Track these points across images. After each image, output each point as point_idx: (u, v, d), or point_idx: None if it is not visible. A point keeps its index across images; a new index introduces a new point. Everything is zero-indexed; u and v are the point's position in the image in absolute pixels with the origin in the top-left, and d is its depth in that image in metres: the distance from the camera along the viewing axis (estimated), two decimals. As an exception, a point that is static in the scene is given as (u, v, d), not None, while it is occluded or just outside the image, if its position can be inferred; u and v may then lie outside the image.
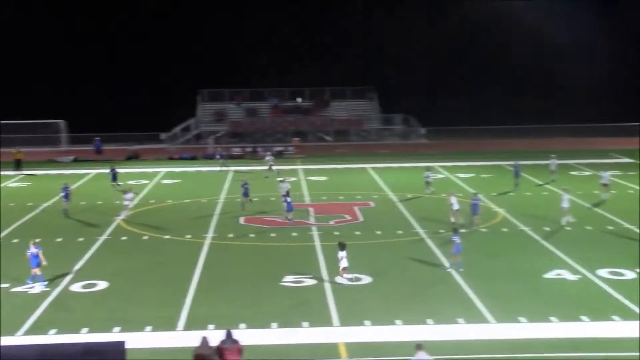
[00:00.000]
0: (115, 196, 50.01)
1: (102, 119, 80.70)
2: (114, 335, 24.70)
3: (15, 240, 38.52)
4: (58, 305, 28.44)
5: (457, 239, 32.09)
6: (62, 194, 45.70)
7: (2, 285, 30.69)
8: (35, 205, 47.74)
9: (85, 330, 25.60)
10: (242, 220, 42.87)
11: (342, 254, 30.71)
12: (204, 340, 20.51)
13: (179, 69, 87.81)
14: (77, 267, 33.47)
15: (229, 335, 20.86)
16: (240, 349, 20.68)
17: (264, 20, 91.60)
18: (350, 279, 30.74)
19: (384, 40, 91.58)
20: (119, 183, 52.83)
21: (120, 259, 35.03)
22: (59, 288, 30.41)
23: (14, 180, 58.29)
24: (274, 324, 26.06)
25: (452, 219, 40.19)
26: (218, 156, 64.78)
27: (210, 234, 39.56)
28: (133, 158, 70.79)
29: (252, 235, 39.29)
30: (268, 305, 28.22)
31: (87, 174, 61.61)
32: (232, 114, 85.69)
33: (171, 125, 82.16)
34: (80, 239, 38.54)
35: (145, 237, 39.01)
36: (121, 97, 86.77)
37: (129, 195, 44.32)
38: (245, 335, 24.47)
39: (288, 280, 31.22)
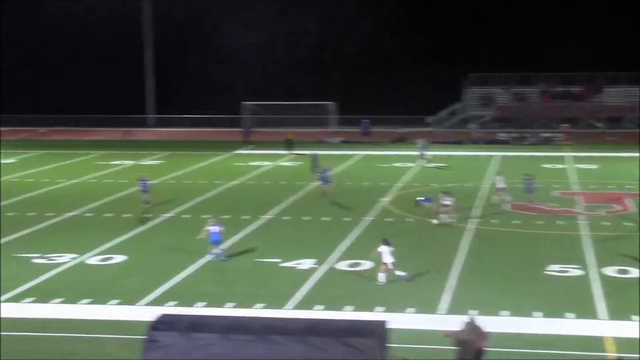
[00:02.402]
0: (381, 177, 50.87)
1: (370, 101, 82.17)
2: (376, 315, 25.10)
3: (285, 218, 40.10)
4: (324, 283, 29.30)
5: None
6: (319, 178, 46.72)
7: (273, 260, 31.98)
8: (305, 184, 49.44)
9: (349, 308, 26.20)
10: (507, 206, 42.26)
11: (385, 248, 29.14)
12: (468, 325, 20.15)
13: (448, 52, 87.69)
14: (342, 246, 34.30)
15: (472, 321, 20.45)
16: (485, 336, 20.17)
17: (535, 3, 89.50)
18: (400, 276, 29.21)
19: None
20: (318, 172, 52.85)
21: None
22: (325, 266, 31.28)
23: (286, 160, 60.61)
24: (538, 314, 25.50)
25: None
26: (418, 145, 59.70)
27: (474, 219, 39.30)
28: (399, 141, 71.54)
29: (517, 222, 38.65)
30: (531, 293, 27.65)
31: (354, 155, 62.96)
32: (499, 98, 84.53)
33: (438, 108, 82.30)
34: (347, 219, 39.47)
35: (409, 220, 39.35)
36: (389, 80, 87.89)
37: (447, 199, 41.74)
38: (508, 323, 24.21)
39: (553, 269, 30.45)
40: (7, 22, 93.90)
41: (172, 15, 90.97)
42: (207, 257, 31.84)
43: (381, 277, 28.85)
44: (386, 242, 29.22)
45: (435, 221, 37.69)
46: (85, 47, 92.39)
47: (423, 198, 39.98)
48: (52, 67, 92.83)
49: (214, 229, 31.72)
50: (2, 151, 66.45)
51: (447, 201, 38.06)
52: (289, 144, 65.06)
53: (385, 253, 28.88)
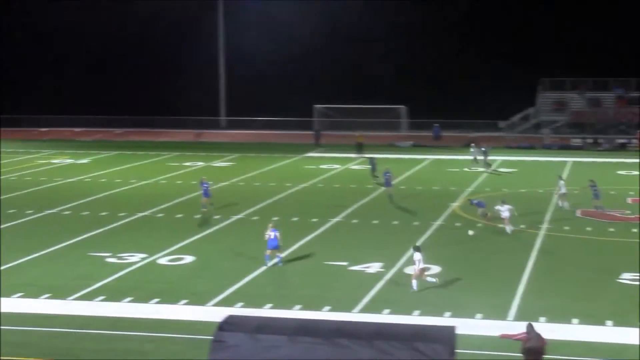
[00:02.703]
0: (451, 182, 50.56)
1: (441, 105, 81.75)
2: (444, 320, 24.91)
3: (354, 221, 40.07)
4: (392, 286, 29.16)
5: None
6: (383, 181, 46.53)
7: (341, 263, 31.95)
8: (374, 187, 49.32)
9: (416, 312, 26.04)
10: (579, 212, 41.63)
11: (418, 255, 28.63)
12: (535, 333, 19.94)
13: (522, 56, 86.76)
14: (411, 250, 34.03)
15: (531, 328, 20.17)
16: (545, 342, 19.90)
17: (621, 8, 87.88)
18: (431, 281, 28.81)
19: None
20: (376, 175, 52.51)
21: (453, 244, 35.26)
22: (394, 269, 31.16)
23: (355, 163, 60.53)
24: (609, 322, 25.04)
25: None
26: (472, 149, 59.48)
27: (545, 225, 38.79)
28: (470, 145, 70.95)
29: (589, 229, 38.03)
30: (603, 301, 27.17)
31: (425, 159, 62.68)
32: (573, 103, 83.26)
33: (510, 113, 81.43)
34: (416, 223, 39.28)
35: (479, 225, 38.97)
36: (460, 84, 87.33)
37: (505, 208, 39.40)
38: (577, 331, 23.85)
39: (626, 277, 29.88)
40: (90, 27, 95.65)
41: (243, 19, 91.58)
42: (267, 263, 31.54)
43: (414, 284, 28.47)
44: (417, 249, 29.01)
45: (471, 232, 36.49)
46: (161, 50, 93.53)
47: (477, 201, 39.59)
48: (129, 70, 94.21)
49: (273, 234, 31.40)
50: (76, 152, 67.73)
51: (505, 212, 36.98)
52: (359, 147, 65.01)
53: (418, 260, 28.58)
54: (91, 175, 55.36)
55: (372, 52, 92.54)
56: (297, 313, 25.59)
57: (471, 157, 58.14)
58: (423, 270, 28.73)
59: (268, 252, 31.51)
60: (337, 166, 59.16)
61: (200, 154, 66.78)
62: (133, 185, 51.17)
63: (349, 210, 42.51)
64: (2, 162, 61.26)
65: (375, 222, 39.74)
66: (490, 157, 57.91)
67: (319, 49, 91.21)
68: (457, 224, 39.24)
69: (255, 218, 40.88)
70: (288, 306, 26.59)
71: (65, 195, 47.54)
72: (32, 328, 24.75)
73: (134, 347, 23.23)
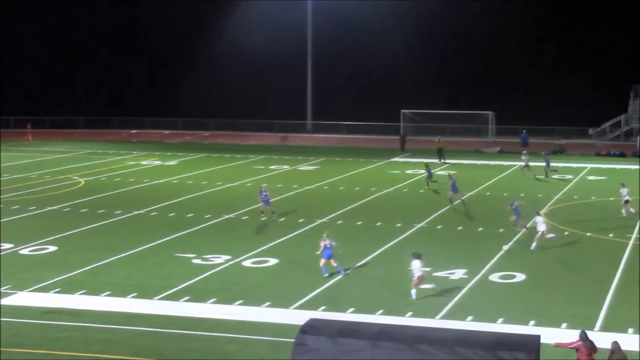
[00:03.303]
0: (538, 189, 49.85)
1: (529, 111, 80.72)
2: (528, 329, 24.53)
3: (439, 227, 39.81)
4: (476, 293, 28.86)
5: None
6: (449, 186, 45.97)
7: (424, 269, 31.70)
8: (460, 194, 48.86)
9: (500, 320, 25.71)
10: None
11: (416, 263, 28.04)
12: (617, 346, 19.53)
13: (613, 63, 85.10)
14: (496, 257, 33.73)
15: (584, 335, 19.77)
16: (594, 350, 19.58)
17: None
18: (429, 287, 28.38)
19: None
20: (434, 180, 51.81)
21: (538, 252, 34.69)
22: (478, 276, 30.84)
23: (441, 168, 60.04)
24: (700, 335, 24.36)
25: None
26: (523, 157, 57.80)
27: (635, 235, 37.93)
28: (559, 152, 69.94)
29: (680, 239, 37.08)
30: (694, 313, 26.45)
31: (512, 166, 61.91)
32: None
33: (601, 120, 79.98)
34: (501, 230, 38.81)
35: (566, 233, 38.32)
36: (549, 89, 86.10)
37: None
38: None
39: None
40: (181, 28, 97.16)
41: (332, 22, 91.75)
42: (324, 274, 30.78)
43: (413, 293, 28.12)
44: (417, 256, 28.52)
45: (505, 247, 35.48)
46: (250, 54, 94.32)
47: (515, 205, 38.03)
48: (218, 73, 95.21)
49: (327, 243, 30.88)
50: (164, 154, 68.83)
51: (542, 226, 34.95)
52: (440, 153, 64.59)
53: (416, 268, 28.19)
54: (178, 177, 56.12)
55: (460, 57, 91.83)
56: (379, 318, 25.50)
57: (522, 164, 57.16)
58: (421, 278, 28.31)
59: (322, 261, 30.84)
60: (422, 171, 58.69)
61: (286, 157, 67.15)
62: (219, 188, 51.70)
63: (433, 216, 42.22)
64: (93, 163, 62.63)
65: (459, 228, 39.41)
66: (581, 165, 56.74)
67: (407, 53, 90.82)
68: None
69: (339, 222, 40.91)
70: (370, 311, 26.52)
71: (152, 196, 48.30)
72: (118, 326, 25.16)
73: (217, 348, 23.43)
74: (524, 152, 59.76)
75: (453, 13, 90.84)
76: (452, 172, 53.15)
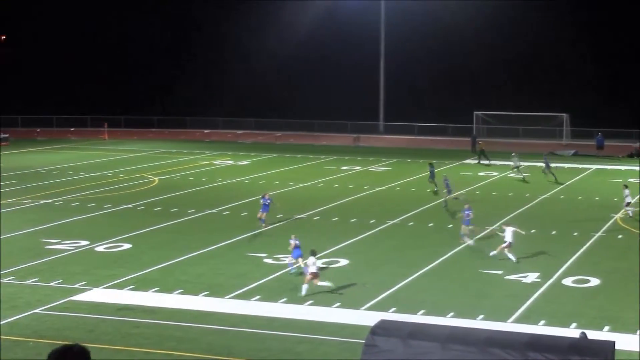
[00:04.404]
0: (614, 193, 49.02)
1: (604, 113, 79.48)
2: (602, 334, 24.17)
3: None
4: (549, 298, 28.54)
5: None
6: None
7: (496, 272, 31.50)
8: (532, 196, 48.43)
9: (573, 325, 25.38)
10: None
11: (311, 260, 28.14)
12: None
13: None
14: (570, 261, 33.30)
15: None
16: None
17: None
18: (324, 285, 28.30)
19: None
20: (434, 182, 50.91)
21: (614, 257, 34.19)
22: (551, 280, 30.50)
23: (514, 171, 59.41)
24: None
25: None
26: (545, 159, 57.00)
27: None
28: (635, 156, 68.73)
29: None
30: None
31: (587, 169, 61.03)
32: None
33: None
34: (575, 234, 38.30)
35: (642, 237, 37.70)
36: (624, 92, 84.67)
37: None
38: None
39: None
40: (256, 36, 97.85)
41: (406, 23, 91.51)
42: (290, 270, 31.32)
43: (304, 288, 28.35)
44: (313, 253, 28.87)
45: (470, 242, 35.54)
46: (324, 55, 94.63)
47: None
48: (290, 75, 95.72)
49: (295, 242, 31.11)
50: (237, 153, 69.43)
51: (509, 237, 33.19)
52: (483, 154, 63.99)
53: (312, 263, 28.40)
54: (250, 176, 56.52)
55: (534, 58, 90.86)
56: (450, 320, 25.39)
57: (511, 164, 57.16)
58: (314, 275, 28.30)
59: (293, 260, 31.25)
60: (495, 173, 58.33)
61: (358, 158, 67.16)
62: (291, 188, 51.94)
63: (505, 219, 41.79)
64: (167, 162, 63.48)
65: (533, 231, 38.97)
66: (553, 165, 55.87)
67: (480, 54, 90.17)
68: (619, 236, 38.01)
69: (411, 224, 40.81)
70: (441, 313, 26.41)
71: (225, 195, 48.74)
72: (191, 324, 25.48)
73: (288, 347, 23.57)
74: (513, 153, 59.09)
75: (529, 15, 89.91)
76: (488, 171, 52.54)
